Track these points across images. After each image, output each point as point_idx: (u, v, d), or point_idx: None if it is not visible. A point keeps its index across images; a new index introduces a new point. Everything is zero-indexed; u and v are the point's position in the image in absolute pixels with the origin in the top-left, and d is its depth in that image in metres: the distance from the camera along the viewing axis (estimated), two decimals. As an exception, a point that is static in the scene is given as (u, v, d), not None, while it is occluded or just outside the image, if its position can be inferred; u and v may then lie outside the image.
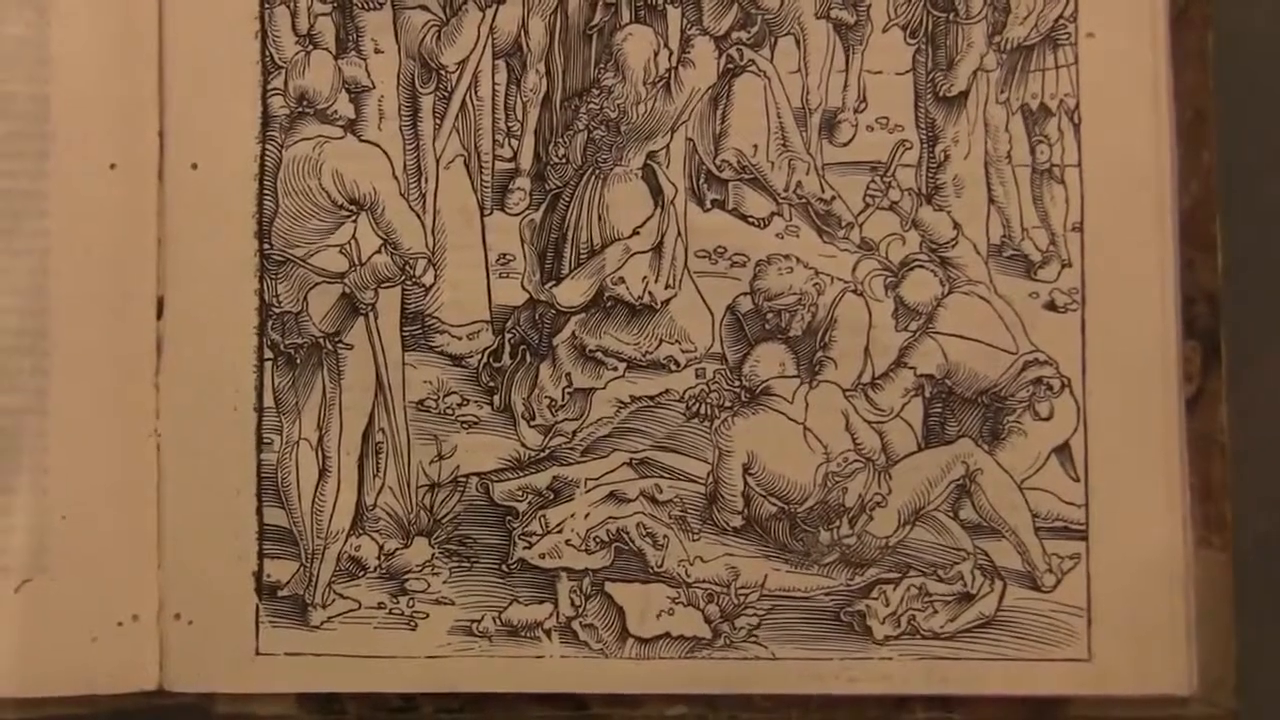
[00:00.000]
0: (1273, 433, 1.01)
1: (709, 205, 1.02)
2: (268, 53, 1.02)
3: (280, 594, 1.00)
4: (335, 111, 1.02)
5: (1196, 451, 0.99)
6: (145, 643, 0.99)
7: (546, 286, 1.02)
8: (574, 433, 1.01)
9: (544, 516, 1.01)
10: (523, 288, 1.02)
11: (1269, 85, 1.03)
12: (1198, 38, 1.00)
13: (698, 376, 1.01)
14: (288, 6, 1.02)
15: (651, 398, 1.01)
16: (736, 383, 1.01)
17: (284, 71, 1.02)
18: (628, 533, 1.01)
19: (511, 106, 1.02)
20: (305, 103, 1.02)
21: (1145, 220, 1.00)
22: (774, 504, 1.00)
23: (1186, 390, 1.00)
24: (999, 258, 1.01)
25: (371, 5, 1.02)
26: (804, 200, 1.01)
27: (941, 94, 1.01)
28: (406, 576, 1.01)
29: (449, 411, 1.01)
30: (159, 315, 1.00)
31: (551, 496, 1.01)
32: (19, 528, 0.98)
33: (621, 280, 1.01)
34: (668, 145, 1.02)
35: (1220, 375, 1.00)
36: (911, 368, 1.01)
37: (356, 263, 1.01)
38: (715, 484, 1.01)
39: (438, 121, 1.02)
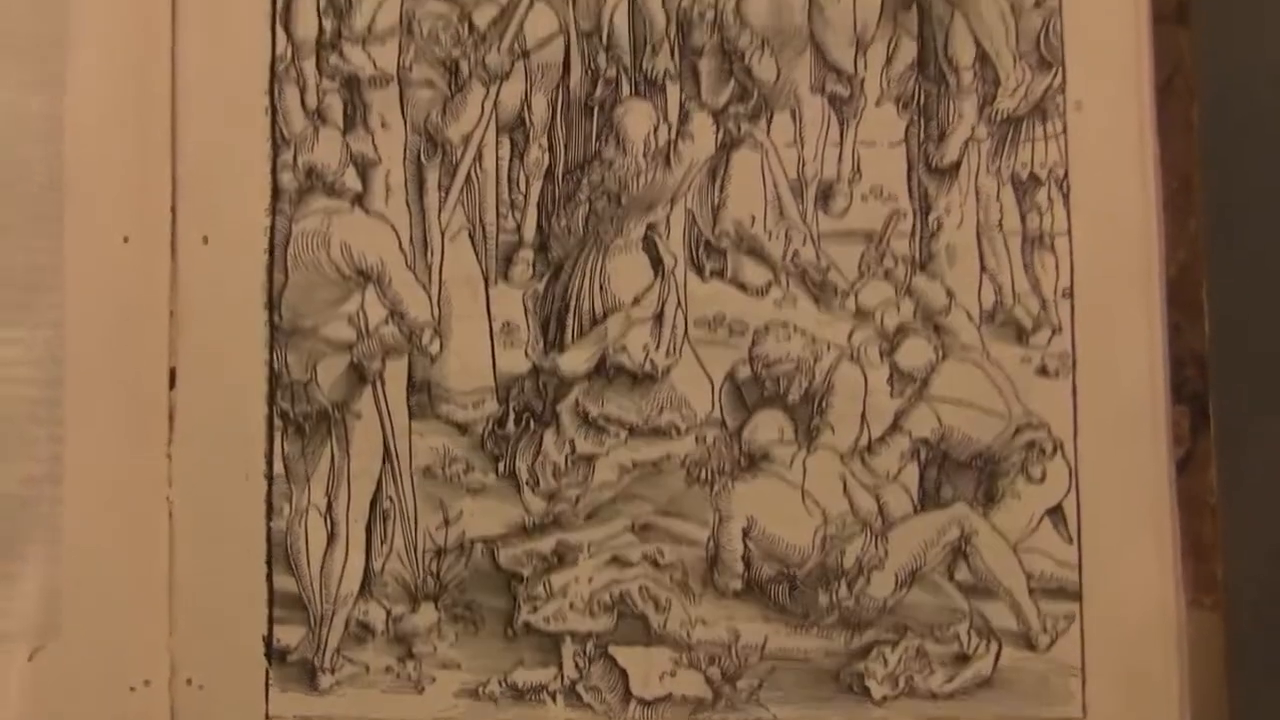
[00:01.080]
0: (1261, 494, 1.01)
1: (708, 275, 1.03)
2: (277, 128, 1.02)
3: (289, 658, 1.01)
4: (343, 185, 1.02)
5: (1187, 513, 1.00)
6: (157, 708, 0.99)
7: (550, 355, 1.02)
8: (577, 498, 1.01)
9: (548, 581, 1.01)
10: (527, 356, 1.02)
11: (1253, 155, 1.04)
12: (1183, 108, 1.01)
13: (698, 442, 1.02)
14: (297, 84, 1.03)
15: (653, 463, 1.02)
16: (736, 448, 1.02)
17: (293, 146, 1.02)
18: (630, 596, 1.01)
19: (515, 179, 1.03)
20: (314, 177, 1.02)
21: (1134, 286, 1.01)
22: (774, 566, 1.01)
23: (1176, 453, 1.00)
24: (991, 324, 1.02)
25: (378, 82, 1.03)
26: (801, 269, 1.02)
27: (934, 164, 1.02)
28: (414, 640, 1.01)
29: (455, 478, 1.01)
30: (171, 385, 1.01)
31: (556, 561, 1.01)
32: (33, 594, 0.98)
33: (623, 348, 1.02)
34: (667, 216, 1.03)
35: (1209, 438, 1.00)
36: (907, 432, 1.01)
37: (364, 333, 1.02)
38: (716, 548, 1.01)
39: (443, 194, 1.03)
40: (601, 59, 1.03)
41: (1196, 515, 1.00)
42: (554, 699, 1.01)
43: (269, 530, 1.01)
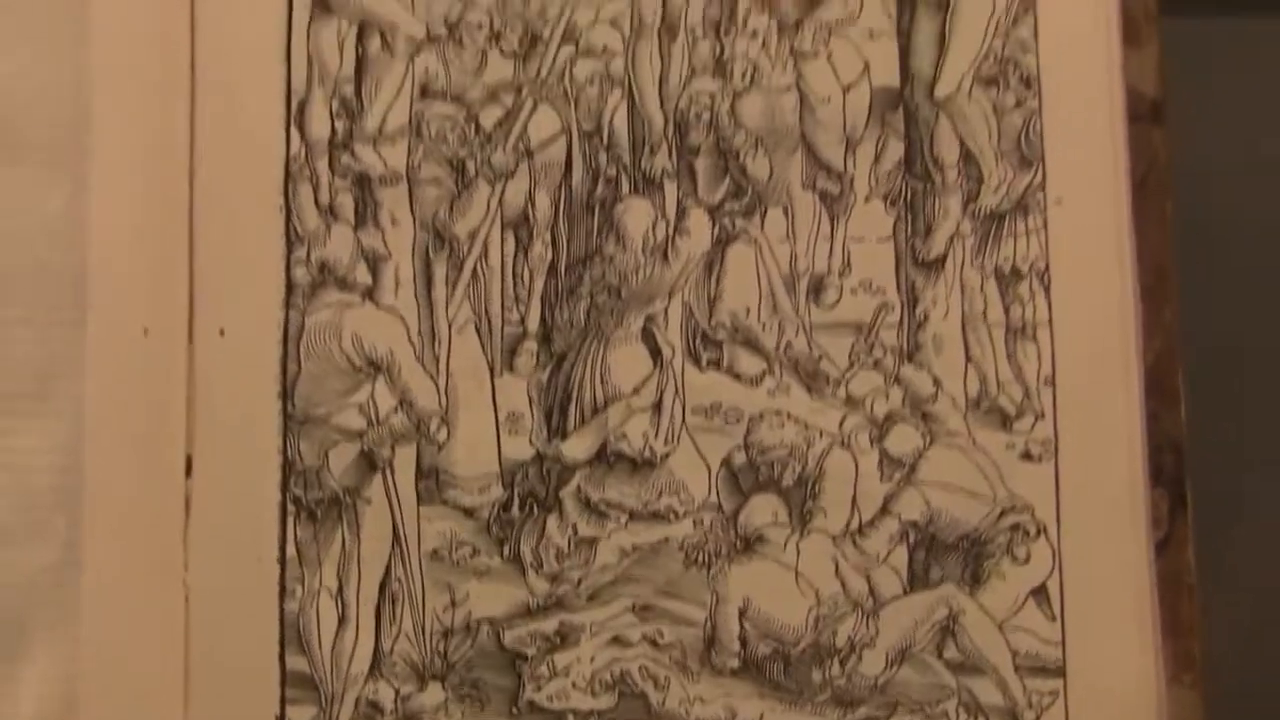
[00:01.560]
0: (1238, 574, 1.03)
1: (705, 365, 1.04)
2: (292, 225, 1.03)
3: (301, 737, 1.01)
4: (355, 279, 1.04)
5: (1166, 592, 1.01)
6: (173, 786, 0.99)
7: (553, 442, 1.04)
8: (580, 580, 1.02)
9: (552, 660, 1.02)
10: (531, 444, 1.03)
11: (1225, 248, 1.07)
12: (1158, 204, 1.02)
13: (696, 526, 1.03)
14: (310, 182, 1.04)
15: (652, 546, 1.02)
16: (732, 532, 1.03)
17: (307, 242, 1.04)
18: (631, 675, 1.02)
19: (520, 274, 1.05)
20: (326, 271, 1.04)
21: (1113, 374, 1.02)
22: (769, 645, 1.01)
23: (1155, 535, 1.01)
24: (977, 411, 1.04)
25: (388, 180, 1.04)
26: (794, 360, 1.04)
27: (921, 259, 1.04)
28: (421, 719, 1.01)
29: (462, 561, 1.02)
30: (188, 473, 1.01)
31: (559, 641, 1.02)
32: (50, 677, 0.98)
33: (624, 436, 1.04)
34: (666, 309, 1.04)
35: (1187, 520, 1.01)
36: (896, 516, 1.03)
37: (374, 421, 1.03)
38: (713, 628, 1.02)
39: (450, 288, 1.04)
40: (602, 158, 1.05)
41: (1175, 595, 1.01)
42: (557, 775, 1.00)
43: (282, 612, 1.01)
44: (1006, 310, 1.04)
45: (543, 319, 1.04)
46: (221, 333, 1.03)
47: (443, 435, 1.03)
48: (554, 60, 1.05)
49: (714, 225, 1.05)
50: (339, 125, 1.05)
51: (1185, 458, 1.02)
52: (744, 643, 1.02)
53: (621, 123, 1.05)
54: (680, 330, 1.05)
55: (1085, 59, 1.03)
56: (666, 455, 1.03)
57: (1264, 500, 1.12)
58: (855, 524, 1.03)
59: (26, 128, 1.02)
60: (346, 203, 1.04)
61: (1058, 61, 1.04)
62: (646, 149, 1.05)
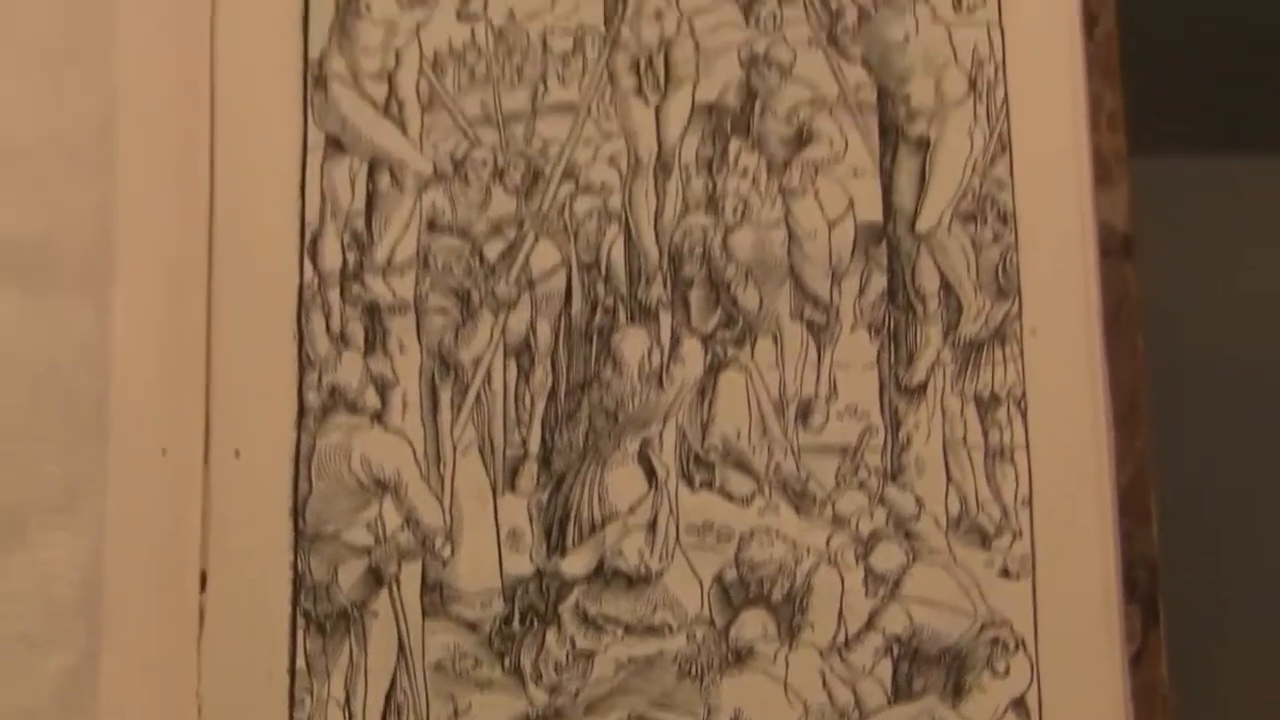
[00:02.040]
0: (1209, 686, 1.04)
1: (698, 486, 1.06)
2: (304, 351, 1.05)
3: (309, 842, 1.00)
4: (364, 403, 1.05)
5: (1141, 704, 1.01)
6: None
7: (553, 559, 1.05)
8: (577, 691, 1.03)
9: None
10: (531, 560, 1.05)
11: (1194, 377, 1.10)
12: (1129, 335, 1.04)
13: (689, 640, 1.04)
14: (322, 311, 1.06)
15: (647, 659, 1.04)
16: (724, 645, 1.04)
17: (318, 368, 1.05)
18: None
19: (521, 398, 1.06)
20: (337, 396, 1.05)
21: (1087, 496, 1.04)
22: None
23: (1129, 648, 1.03)
24: (957, 530, 1.05)
25: (397, 309, 1.06)
26: (782, 481, 1.06)
27: (903, 385, 1.06)
28: None
29: (464, 673, 1.03)
30: (202, 587, 1.02)
31: None
32: None
33: (620, 553, 1.05)
34: (660, 432, 1.06)
35: (1159, 634, 1.02)
36: (881, 630, 1.04)
37: (382, 538, 1.05)
38: None
39: (455, 412, 1.06)
40: (601, 289, 1.07)
41: (1150, 707, 1.02)
42: None
43: (291, 722, 1.04)
44: (985, 434, 1.06)
45: (543, 441, 1.06)
46: (236, 453, 1.04)
47: (447, 552, 1.05)
48: (555, 196, 1.07)
49: (706, 353, 1.07)
50: (350, 257, 1.07)
51: (1158, 575, 1.03)
52: (735, 753, 1.04)
53: (619, 255, 1.07)
54: (674, 452, 1.06)
55: (1059, 196, 1.07)
56: (661, 572, 1.05)
57: (1233, 615, 1.14)
58: (842, 638, 1.04)
59: (54, 259, 1.05)
60: (357, 330, 1.06)
61: (1033, 199, 1.07)
62: (642, 280, 1.07)
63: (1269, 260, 1.20)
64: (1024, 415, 1.05)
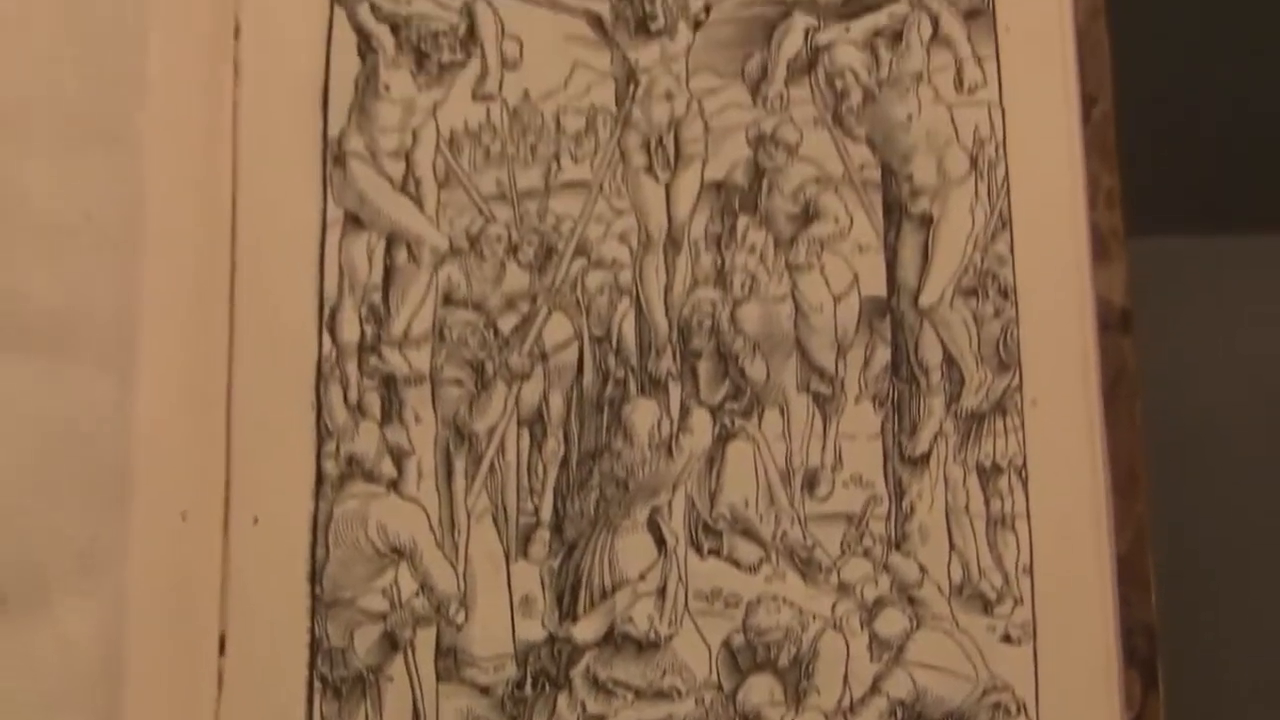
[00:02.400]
0: None
1: (706, 553, 1.07)
2: (322, 422, 1.06)
3: None
4: (380, 472, 1.06)
5: None
6: None
7: (564, 625, 1.06)
8: None
9: None
10: (543, 626, 1.06)
11: (1191, 447, 1.11)
12: (1128, 406, 1.06)
13: (697, 704, 1.04)
14: (340, 382, 1.06)
15: None
16: (731, 709, 1.05)
17: (336, 438, 1.06)
18: None
19: (534, 467, 1.07)
20: (354, 465, 1.06)
21: (1087, 563, 1.05)
22: None
23: (1129, 713, 1.04)
24: (960, 597, 1.06)
25: (413, 381, 1.07)
26: (789, 548, 1.07)
27: (907, 455, 1.07)
28: None
29: None
30: (221, 650, 1.02)
31: None
32: None
33: (630, 619, 1.06)
34: (670, 501, 1.07)
35: (1158, 699, 1.03)
36: (885, 694, 1.05)
37: (397, 604, 1.05)
38: None
39: (469, 481, 1.07)
40: (612, 361, 1.08)
41: None
42: None
43: (308, 786, 1.05)
44: (987, 503, 1.07)
45: (555, 509, 1.07)
46: (255, 520, 1.05)
47: (461, 617, 1.05)
48: (567, 271, 1.09)
49: (715, 424, 1.08)
50: (368, 330, 1.08)
51: (1157, 641, 1.04)
52: (743, 815, 1.05)
53: (630, 329, 1.09)
54: (683, 521, 1.07)
55: (1058, 272, 1.08)
56: (670, 637, 1.06)
57: (1231, 680, 1.15)
58: (847, 702, 1.05)
59: (79, 329, 1.06)
60: (374, 401, 1.07)
61: (1033, 274, 1.08)
62: (653, 353, 1.08)
63: (1260, 334, 1.21)
64: (1025, 484, 1.07)
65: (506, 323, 1.09)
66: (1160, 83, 1.23)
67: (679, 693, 1.05)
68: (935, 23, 1.12)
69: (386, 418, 1.07)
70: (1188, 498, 1.14)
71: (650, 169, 1.10)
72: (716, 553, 1.07)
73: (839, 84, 1.12)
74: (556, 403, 1.08)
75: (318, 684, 1.04)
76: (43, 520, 1.04)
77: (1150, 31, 1.20)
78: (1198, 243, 1.25)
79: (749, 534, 1.07)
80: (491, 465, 1.07)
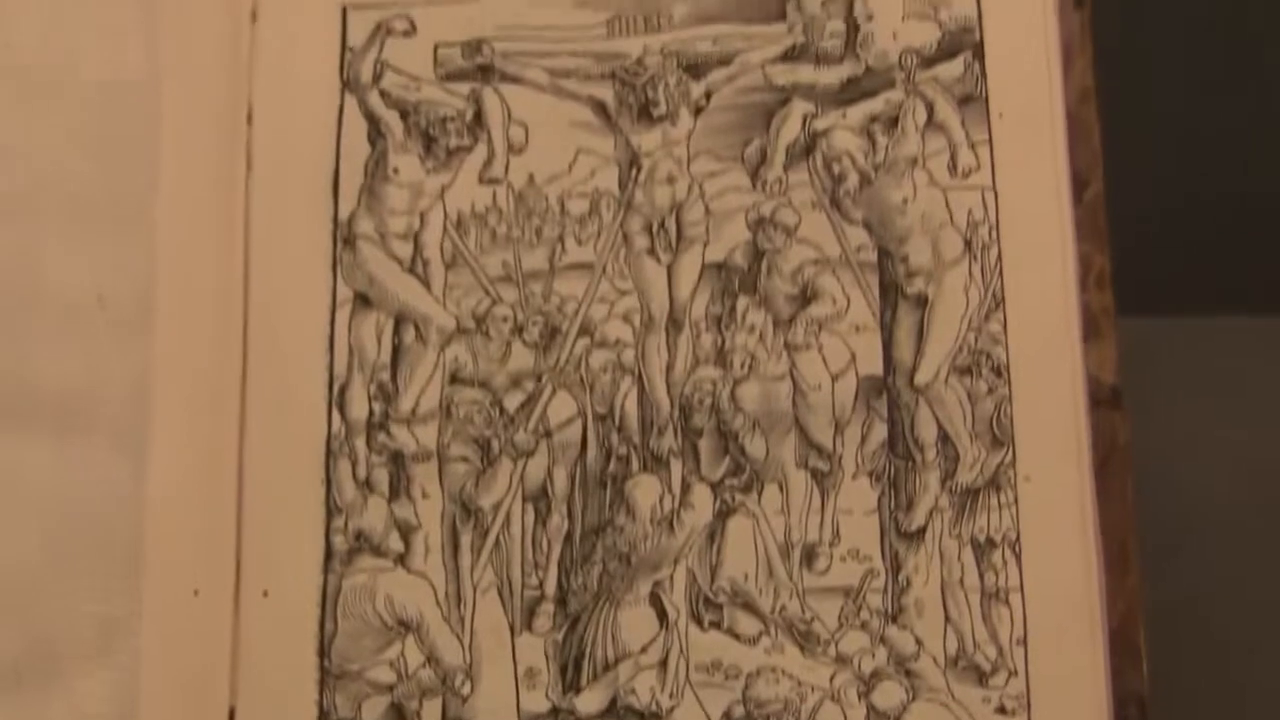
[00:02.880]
0: None
1: (707, 625, 1.08)
2: (331, 497, 1.09)
3: None
4: (388, 547, 1.09)
5: None
6: None
7: (568, 696, 1.07)
8: None
9: None
10: (547, 698, 1.07)
11: (1181, 523, 1.13)
12: (1119, 482, 1.06)
13: None
14: (349, 458, 1.09)
15: None
16: None
17: (345, 513, 1.09)
18: None
19: (538, 542, 1.09)
20: (362, 539, 1.09)
21: (1080, 635, 1.05)
22: None
23: None
24: (955, 669, 1.07)
25: (420, 457, 1.09)
26: (788, 621, 1.08)
27: (903, 530, 1.08)
28: None
29: None
30: None
31: None
32: None
33: (632, 691, 1.07)
34: (671, 575, 1.08)
35: None
36: None
37: (404, 676, 1.07)
38: None
39: (475, 555, 1.09)
40: (614, 438, 1.10)
41: None
42: None
43: None
44: (981, 577, 1.08)
45: (559, 583, 1.09)
46: (265, 594, 1.08)
47: (466, 689, 1.07)
48: (571, 351, 1.11)
49: (715, 499, 1.10)
50: (376, 407, 1.11)
51: (1148, 712, 1.04)
52: None
53: (632, 407, 1.10)
54: (684, 594, 1.09)
55: (1050, 351, 1.08)
56: (672, 709, 1.07)
57: None
58: None
59: (93, 409, 1.09)
60: (382, 477, 1.10)
61: (1025, 353, 1.09)
62: (654, 430, 1.10)
63: (1248, 412, 1.23)
64: (1018, 558, 1.07)
65: (512, 401, 1.10)
66: (1149, 164, 1.24)
67: (681, 763, 1.06)
68: (930, 109, 1.13)
69: (394, 493, 1.10)
70: (1179, 571, 1.15)
71: (653, 251, 1.12)
72: (717, 625, 1.08)
73: (836, 168, 1.14)
74: (561, 479, 1.10)
75: (326, 754, 1.05)
76: (57, 597, 1.07)
77: (1139, 114, 1.20)
78: (1187, 322, 1.26)
79: (749, 607, 1.08)
80: (497, 540, 1.09)
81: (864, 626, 1.08)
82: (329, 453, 1.09)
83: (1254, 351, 1.25)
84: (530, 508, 1.10)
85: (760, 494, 1.10)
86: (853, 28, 1.15)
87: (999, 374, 1.09)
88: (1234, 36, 1.32)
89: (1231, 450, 1.22)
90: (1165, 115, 1.30)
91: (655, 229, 1.12)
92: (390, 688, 1.07)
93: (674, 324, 1.11)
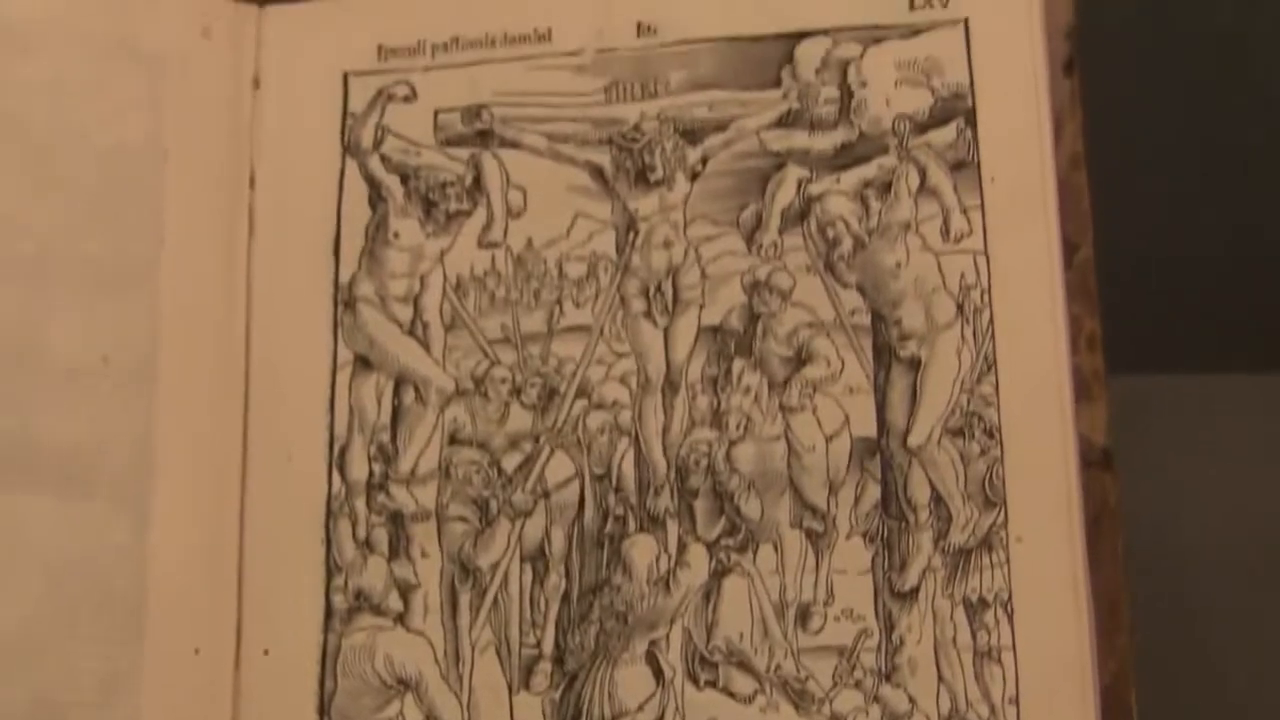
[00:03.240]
0: None
1: (703, 684, 1.08)
2: (331, 557, 1.10)
3: None
4: (387, 606, 1.09)
5: None
6: None
7: None
8: None
9: None
10: None
11: (1172, 582, 1.14)
12: (1110, 542, 1.06)
13: None
14: (349, 519, 1.11)
15: None
16: None
17: (345, 572, 1.10)
18: None
19: (536, 601, 1.10)
20: (362, 598, 1.10)
21: (1072, 695, 1.05)
22: None
23: None
24: None
25: (419, 517, 1.10)
26: (783, 680, 1.08)
27: (897, 590, 1.08)
28: None
29: None
30: None
31: None
32: None
33: None
34: (667, 634, 1.09)
35: None
36: None
37: None
38: None
39: (474, 614, 1.09)
40: (611, 499, 1.11)
41: None
42: None
43: None
44: (974, 636, 1.07)
45: (557, 642, 1.09)
46: (266, 652, 1.09)
47: None
48: (569, 412, 1.12)
49: (711, 559, 1.10)
50: (376, 468, 1.12)
51: None
52: None
53: (629, 468, 1.11)
54: (680, 653, 1.09)
55: (1042, 413, 1.08)
56: None
57: None
58: None
59: (96, 469, 1.10)
60: (381, 537, 1.11)
61: (1017, 415, 1.09)
62: (651, 491, 1.11)
63: (1237, 471, 1.25)
64: (1010, 618, 1.07)
65: (510, 461, 1.11)
66: (1140, 227, 1.25)
67: (677, 820, 1.07)
68: (923, 174, 1.15)
69: (394, 553, 1.11)
70: (1169, 630, 1.16)
71: (649, 314, 1.13)
72: (713, 684, 1.08)
73: (830, 233, 1.15)
74: (558, 539, 1.10)
75: (328, 811, 1.06)
76: (59, 654, 1.07)
77: (1129, 178, 1.22)
78: (1178, 381, 1.27)
79: (744, 666, 1.08)
80: (495, 599, 1.09)
81: (858, 685, 1.07)
82: (329, 513, 1.11)
83: (1247, 410, 1.25)
84: (528, 567, 1.10)
85: (755, 554, 1.10)
86: (847, 94, 1.16)
87: (991, 436, 1.09)
88: (1221, 104, 1.33)
89: (1221, 506, 1.23)
90: (1154, 177, 1.30)
91: (652, 292, 1.13)
92: (390, 744, 1.08)
93: (670, 386, 1.12)
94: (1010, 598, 1.07)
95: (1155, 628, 1.11)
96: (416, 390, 1.13)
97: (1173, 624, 1.15)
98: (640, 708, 1.08)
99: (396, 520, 1.11)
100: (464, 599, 1.10)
